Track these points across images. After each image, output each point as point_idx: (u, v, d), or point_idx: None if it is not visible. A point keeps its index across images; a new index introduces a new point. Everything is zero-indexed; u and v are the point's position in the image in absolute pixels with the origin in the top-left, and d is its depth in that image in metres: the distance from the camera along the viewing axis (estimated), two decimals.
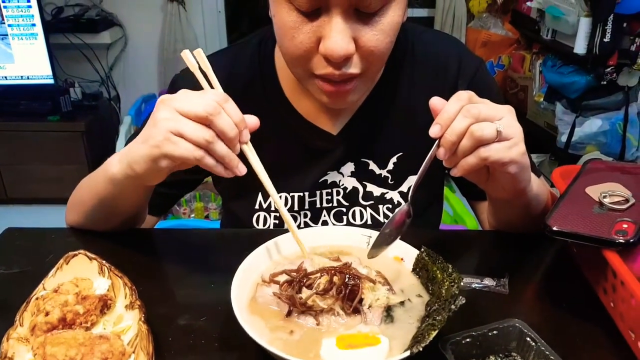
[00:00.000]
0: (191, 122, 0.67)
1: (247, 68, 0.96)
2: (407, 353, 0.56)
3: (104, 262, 0.73)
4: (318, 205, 0.99)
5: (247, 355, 0.65)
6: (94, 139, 3.18)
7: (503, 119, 0.69)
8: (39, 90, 3.13)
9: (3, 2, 2.92)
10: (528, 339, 0.63)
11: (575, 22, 2.53)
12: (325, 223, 0.99)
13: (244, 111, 0.92)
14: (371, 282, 0.69)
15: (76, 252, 0.73)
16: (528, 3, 2.93)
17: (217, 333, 0.69)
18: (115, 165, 0.77)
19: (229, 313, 0.62)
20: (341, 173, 0.99)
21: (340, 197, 0.99)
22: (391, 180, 0.99)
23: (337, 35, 0.74)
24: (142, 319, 0.63)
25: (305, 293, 0.67)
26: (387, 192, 0.99)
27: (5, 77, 3.10)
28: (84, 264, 0.73)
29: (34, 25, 2.98)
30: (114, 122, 3.49)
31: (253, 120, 0.73)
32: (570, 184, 0.80)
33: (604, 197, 0.75)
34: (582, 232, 0.69)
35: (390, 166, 0.98)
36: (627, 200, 0.74)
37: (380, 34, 0.77)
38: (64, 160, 3.13)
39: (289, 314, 0.66)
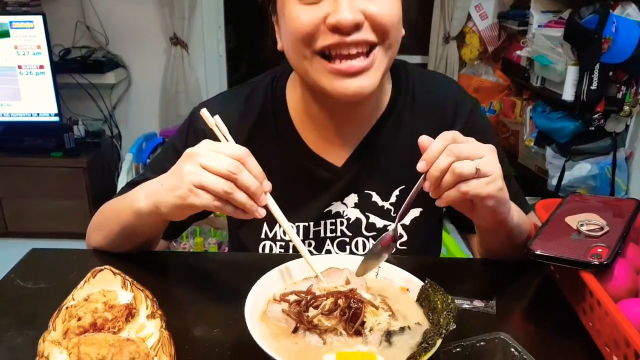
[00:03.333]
0: (213, 175, 0.74)
1: (260, 103, 1.04)
2: None
3: (126, 276, 0.80)
4: (322, 235, 1.05)
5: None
6: (95, 175, 3.25)
7: (483, 157, 0.77)
8: (44, 127, 3.23)
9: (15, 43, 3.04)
10: (512, 349, 0.70)
11: (563, 70, 2.63)
12: (328, 252, 1.05)
13: (256, 144, 0.99)
14: (374, 307, 0.75)
15: (102, 267, 0.80)
16: (518, 52, 3.06)
17: (230, 343, 0.75)
18: (142, 200, 0.84)
19: (240, 326, 0.69)
20: (345, 204, 1.04)
21: (344, 228, 1.05)
22: (394, 213, 1.04)
23: (345, 5, 0.81)
24: (164, 326, 0.70)
25: (312, 312, 0.74)
26: (390, 224, 1.04)
27: (11, 115, 3.19)
28: (108, 278, 0.80)
29: (42, 65, 3.10)
30: (115, 159, 3.57)
31: (269, 184, 0.80)
32: (551, 214, 0.88)
33: (581, 225, 0.83)
34: (561, 256, 0.76)
35: (392, 199, 1.04)
36: (601, 228, 0.82)
37: (386, 6, 0.85)
38: (65, 196, 3.19)
39: (295, 330, 0.73)
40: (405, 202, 0.81)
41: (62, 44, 3.40)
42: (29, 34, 3.05)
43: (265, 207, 0.80)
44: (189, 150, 0.78)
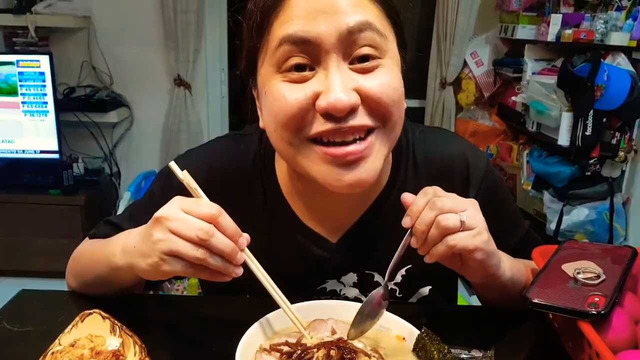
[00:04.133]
0: (184, 242, 0.69)
1: (247, 166, 0.96)
2: None
3: (115, 321, 0.78)
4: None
5: None
6: (93, 213, 3.24)
7: (467, 210, 0.77)
8: (44, 164, 3.24)
9: (20, 80, 3.09)
10: None
11: (558, 116, 2.66)
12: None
13: (241, 206, 0.90)
14: (366, 356, 0.74)
15: (91, 311, 0.78)
16: (513, 97, 3.11)
17: None
18: (118, 256, 0.80)
19: None
20: (342, 282, 0.96)
21: None
22: (399, 294, 0.97)
23: (337, 82, 0.73)
24: None
25: None
26: (397, 302, 0.95)
27: (12, 151, 3.20)
28: (97, 322, 0.78)
29: (45, 103, 3.14)
30: (113, 197, 3.57)
31: (247, 236, 0.74)
32: (548, 261, 0.87)
33: (578, 273, 0.82)
34: (558, 305, 0.75)
35: (398, 278, 0.96)
36: (598, 277, 0.80)
37: (383, 82, 0.76)
38: (60, 234, 3.15)
39: None
40: (392, 260, 0.80)
41: (67, 82, 3.45)
42: (35, 73, 3.08)
43: (244, 263, 0.75)
44: (157, 214, 0.71)
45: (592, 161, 2.69)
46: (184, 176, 0.76)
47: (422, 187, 0.93)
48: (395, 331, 0.81)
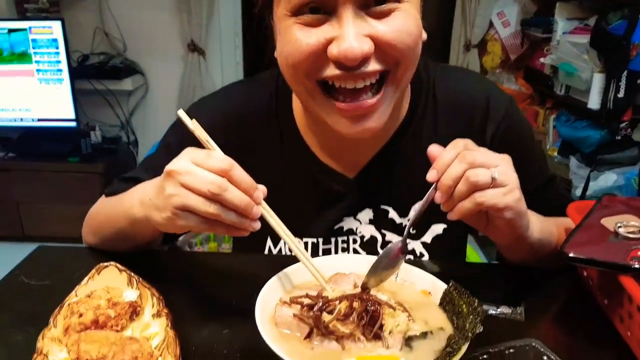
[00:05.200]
0: (196, 197, 0.66)
1: (264, 102, 0.94)
2: None
3: (132, 274, 0.76)
4: (333, 254, 0.96)
5: None
6: (112, 181, 3.23)
7: (499, 166, 0.71)
8: (61, 133, 3.25)
9: (33, 47, 3.07)
10: (545, 358, 0.64)
11: (589, 78, 2.57)
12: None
13: (258, 148, 0.91)
14: (391, 308, 0.70)
15: (107, 264, 0.76)
16: (541, 59, 3.00)
17: (239, 344, 0.71)
18: (137, 207, 0.77)
19: (251, 327, 0.64)
20: (358, 220, 0.96)
21: (357, 246, 0.96)
22: (413, 230, 0.95)
23: (350, 31, 0.70)
24: (169, 325, 0.66)
25: (326, 317, 0.69)
26: (409, 243, 0.95)
27: (29, 120, 3.21)
28: (114, 275, 0.76)
29: (60, 70, 3.12)
30: (131, 165, 3.57)
31: (263, 188, 0.71)
32: (585, 216, 0.83)
33: (619, 227, 0.77)
34: (598, 259, 0.71)
35: (411, 214, 0.94)
36: None
37: (399, 27, 0.72)
38: (81, 201, 3.14)
39: (309, 335, 0.67)
40: (414, 215, 0.75)
41: (80, 50, 3.43)
42: (48, 40, 3.06)
43: (262, 217, 0.71)
44: (168, 167, 0.68)
45: (623, 125, 2.60)
46: (194, 126, 0.72)
47: (441, 122, 0.94)
48: (420, 286, 0.77)
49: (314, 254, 0.95)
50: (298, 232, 0.90)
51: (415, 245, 0.96)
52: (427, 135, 0.93)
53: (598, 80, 2.55)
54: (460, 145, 0.72)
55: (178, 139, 0.92)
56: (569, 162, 2.84)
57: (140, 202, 0.76)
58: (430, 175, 0.71)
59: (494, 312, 0.80)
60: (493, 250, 2.96)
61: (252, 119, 0.94)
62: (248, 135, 0.94)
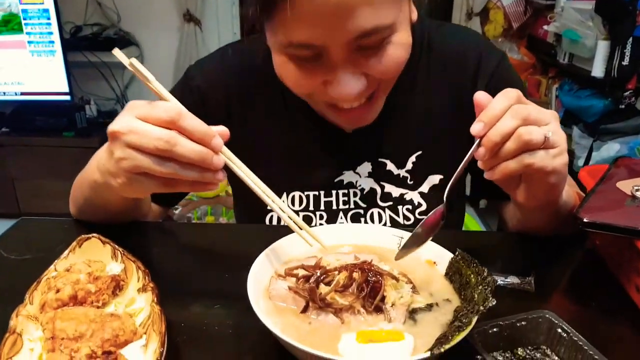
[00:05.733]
0: (146, 157, 0.60)
1: (262, 65, 0.92)
2: (427, 354, 0.52)
3: (117, 246, 0.71)
4: (334, 207, 0.96)
5: (262, 344, 0.62)
6: None
7: (550, 124, 0.64)
8: (56, 107, 3.18)
9: (24, 18, 2.98)
10: (559, 330, 0.60)
11: (593, 45, 2.50)
12: (343, 224, 0.95)
13: (258, 103, 0.91)
14: (394, 279, 0.65)
15: (89, 235, 0.71)
16: (545, 27, 2.93)
17: (231, 320, 0.66)
18: (96, 173, 0.71)
19: (243, 302, 0.59)
20: (358, 173, 0.96)
21: (357, 199, 0.96)
22: (410, 180, 0.95)
23: (345, 75, 0.73)
24: (155, 300, 0.61)
25: (323, 289, 0.64)
26: (407, 193, 0.96)
27: (22, 93, 3.13)
28: (96, 247, 0.71)
29: (52, 42, 3.03)
30: None
31: (222, 131, 0.64)
32: (599, 179, 0.78)
33: (637, 190, 0.72)
34: (615, 223, 0.66)
35: (409, 166, 0.95)
36: None
37: (391, 57, 0.74)
38: (75, 176, 3.12)
39: (305, 309, 0.63)
40: (454, 175, 0.67)
41: (73, 21, 3.34)
42: (39, 10, 2.97)
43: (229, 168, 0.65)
44: (110, 127, 0.62)
45: (627, 93, 2.54)
46: (134, 64, 0.63)
47: (434, 74, 0.93)
48: (425, 255, 0.72)
49: (316, 206, 0.96)
50: (300, 186, 0.95)
51: (413, 196, 0.96)
52: (420, 87, 0.93)
53: (602, 48, 2.48)
54: (513, 96, 0.63)
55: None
56: (571, 132, 2.78)
57: (98, 167, 0.71)
58: (476, 129, 0.63)
59: (502, 282, 0.75)
60: (493, 220, 2.91)
61: (251, 76, 0.94)
62: (248, 91, 0.94)
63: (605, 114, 2.62)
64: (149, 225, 0.92)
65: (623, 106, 2.57)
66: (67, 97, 3.13)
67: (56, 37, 3.02)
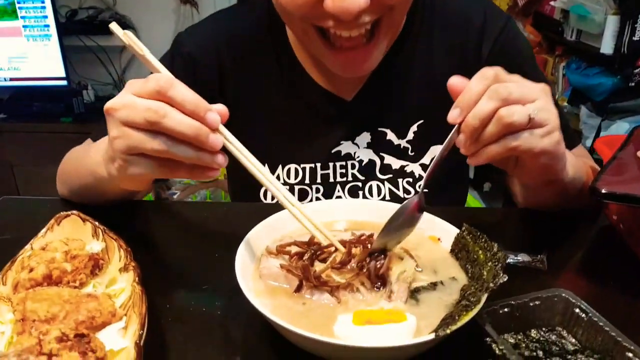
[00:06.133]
0: (138, 133, 0.55)
1: (254, 31, 0.89)
2: (432, 336, 0.47)
3: (98, 223, 0.66)
4: (331, 180, 0.92)
5: (252, 326, 0.58)
6: None
7: (536, 101, 0.58)
8: (53, 92, 3.13)
9: (18, 2, 2.92)
10: (577, 310, 0.55)
11: (602, 20, 2.43)
12: (339, 198, 0.91)
13: (250, 71, 0.86)
14: (399, 258, 0.60)
15: (68, 212, 0.67)
16: (552, 3, 2.85)
17: (221, 301, 0.62)
18: (101, 164, 0.67)
19: (234, 283, 0.55)
20: (356, 144, 0.91)
21: (355, 171, 0.92)
22: (411, 152, 0.91)
23: None
24: (137, 280, 0.56)
25: (318, 266, 0.60)
26: (407, 165, 0.91)
27: (18, 78, 3.08)
28: (76, 225, 0.66)
29: (47, 26, 2.98)
30: None
31: (220, 109, 0.58)
32: (618, 149, 0.72)
33: None
34: (636, 194, 0.61)
35: (410, 136, 0.90)
36: None
37: None
38: None
39: (299, 288, 0.58)
40: (431, 165, 0.62)
41: (68, 4, 3.27)
42: None
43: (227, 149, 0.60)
44: (106, 105, 0.59)
45: (637, 70, 2.47)
46: (128, 37, 0.60)
47: (436, 39, 0.89)
48: (429, 231, 0.67)
49: (312, 179, 0.91)
50: (295, 158, 0.90)
51: (414, 168, 0.92)
52: (422, 51, 0.88)
53: (612, 23, 2.41)
54: (490, 75, 0.58)
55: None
56: (579, 111, 2.72)
57: (102, 157, 0.66)
58: (452, 116, 0.58)
59: (512, 260, 0.70)
60: (498, 204, 2.86)
61: (244, 42, 0.89)
62: (241, 58, 0.90)
63: (614, 92, 2.55)
64: (136, 203, 0.87)
65: (633, 84, 2.51)
66: (64, 82, 3.08)
67: (51, 20, 2.97)
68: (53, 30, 2.98)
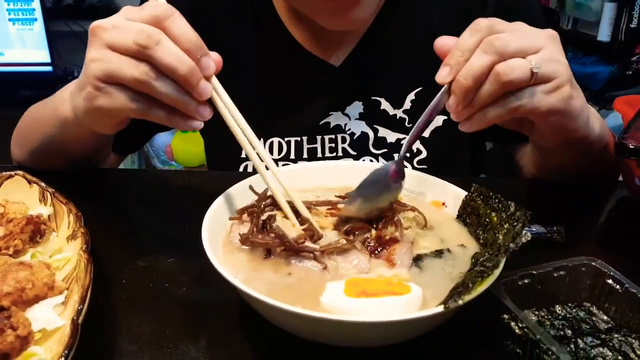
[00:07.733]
0: (124, 59, 0.48)
1: None
2: (440, 308, 0.38)
3: (47, 186, 0.57)
4: (319, 155, 0.82)
5: (223, 302, 0.49)
6: None
7: (541, 51, 0.50)
8: (37, 78, 3.03)
9: None
10: (610, 281, 0.46)
11: (599, 8, 2.39)
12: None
13: (227, 32, 0.77)
14: (400, 227, 0.51)
15: (11, 173, 0.57)
16: None
17: (188, 276, 0.53)
18: (67, 103, 0.60)
19: (205, 256, 0.46)
20: (347, 115, 0.82)
21: (346, 145, 0.82)
22: (408, 123, 0.81)
23: None
24: (84, 248, 0.47)
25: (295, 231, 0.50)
26: (404, 138, 0.81)
27: (3, 63, 2.98)
28: (21, 187, 0.57)
29: (33, 10, 2.88)
30: None
31: (216, 57, 0.52)
32: None
33: None
34: None
35: (407, 105, 0.81)
36: None
37: None
38: None
39: (268, 254, 0.48)
40: (412, 131, 0.53)
41: None
42: None
43: (213, 103, 0.52)
44: (93, 23, 0.51)
45: (634, 58, 2.44)
46: None
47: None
48: (431, 196, 0.59)
49: (298, 154, 0.82)
50: (279, 131, 0.81)
51: None
52: (420, 11, 0.79)
53: (609, 10, 2.37)
54: (484, 27, 0.50)
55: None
56: None
57: (70, 93, 0.59)
58: (441, 75, 0.50)
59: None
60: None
61: (221, 3, 0.80)
62: (218, 22, 0.80)
63: (612, 80, 2.53)
64: (99, 170, 0.78)
65: (630, 72, 2.48)
66: (49, 68, 2.99)
67: (37, 4, 2.88)
68: (38, 14, 2.89)
